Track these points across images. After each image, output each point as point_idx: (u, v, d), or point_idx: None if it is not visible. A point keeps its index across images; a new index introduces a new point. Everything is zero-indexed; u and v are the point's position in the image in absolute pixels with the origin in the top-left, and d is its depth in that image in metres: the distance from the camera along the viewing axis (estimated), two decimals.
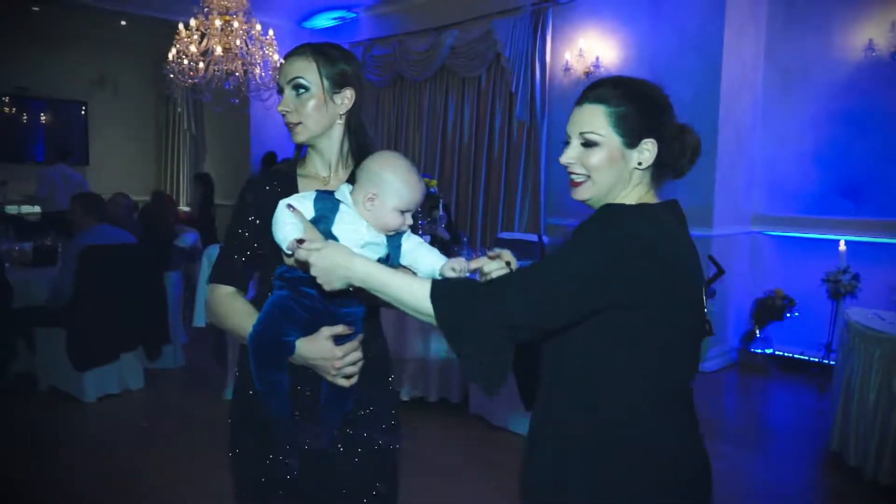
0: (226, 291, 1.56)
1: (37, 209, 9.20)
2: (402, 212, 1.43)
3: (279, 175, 1.60)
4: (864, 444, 3.34)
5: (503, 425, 3.92)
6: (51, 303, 4.38)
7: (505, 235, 6.19)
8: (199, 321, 4.39)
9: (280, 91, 1.56)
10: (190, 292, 5.51)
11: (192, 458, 3.58)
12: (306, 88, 1.51)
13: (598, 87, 1.31)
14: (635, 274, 1.18)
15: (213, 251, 4.39)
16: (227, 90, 6.23)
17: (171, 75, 6.05)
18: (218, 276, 1.58)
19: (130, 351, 4.56)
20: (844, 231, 5.10)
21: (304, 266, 1.32)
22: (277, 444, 1.54)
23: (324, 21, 8.82)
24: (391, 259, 1.46)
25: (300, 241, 1.31)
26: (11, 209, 8.82)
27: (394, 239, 1.46)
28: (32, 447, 3.69)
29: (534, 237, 5.15)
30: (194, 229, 6.22)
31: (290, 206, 1.40)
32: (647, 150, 1.29)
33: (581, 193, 1.34)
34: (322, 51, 1.54)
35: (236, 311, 1.54)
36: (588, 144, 1.30)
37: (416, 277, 1.28)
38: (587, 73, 6.03)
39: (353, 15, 8.53)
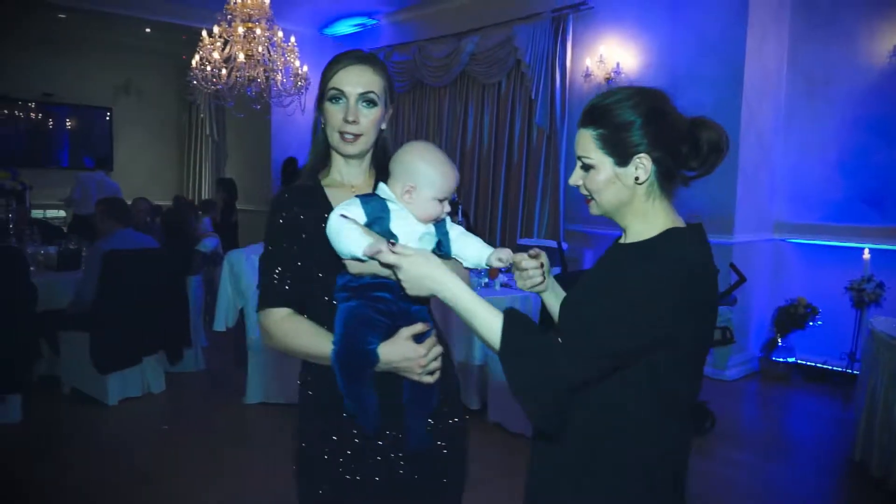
0: (282, 314, 1.49)
1: (62, 214, 9.35)
2: (440, 200, 1.43)
3: (305, 190, 1.56)
4: (889, 453, 3.29)
5: (521, 432, 3.91)
6: (74, 306, 4.44)
7: (524, 241, 6.18)
8: (220, 325, 4.43)
9: (335, 97, 1.51)
10: (211, 297, 5.57)
11: (211, 460, 3.61)
12: (376, 103, 1.51)
13: (587, 109, 1.33)
14: (674, 316, 1.19)
15: (235, 256, 4.44)
16: (249, 96, 6.30)
17: (195, 82, 6.12)
18: (268, 301, 1.50)
19: (152, 354, 4.62)
20: (869, 239, 5.03)
21: (386, 270, 1.33)
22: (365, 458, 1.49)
23: (345, 28, 8.89)
24: (443, 247, 1.47)
25: (392, 243, 1.31)
26: (37, 214, 8.96)
27: (440, 227, 1.47)
28: (55, 448, 3.74)
29: (553, 243, 5.13)
30: (215, 234, 6.29)
31: (343, 215, 1.38)
32: (642, 166, 1.28)
33: (592, 210, 1.37)
34: (382, 65, 1.55)
35: (300, 331, 1.48)
36: (585, 168, 1.33)
37: (495, 312, 1.28)
38: (608, 80, 6.00)
39: (374, 21, 8.58)
